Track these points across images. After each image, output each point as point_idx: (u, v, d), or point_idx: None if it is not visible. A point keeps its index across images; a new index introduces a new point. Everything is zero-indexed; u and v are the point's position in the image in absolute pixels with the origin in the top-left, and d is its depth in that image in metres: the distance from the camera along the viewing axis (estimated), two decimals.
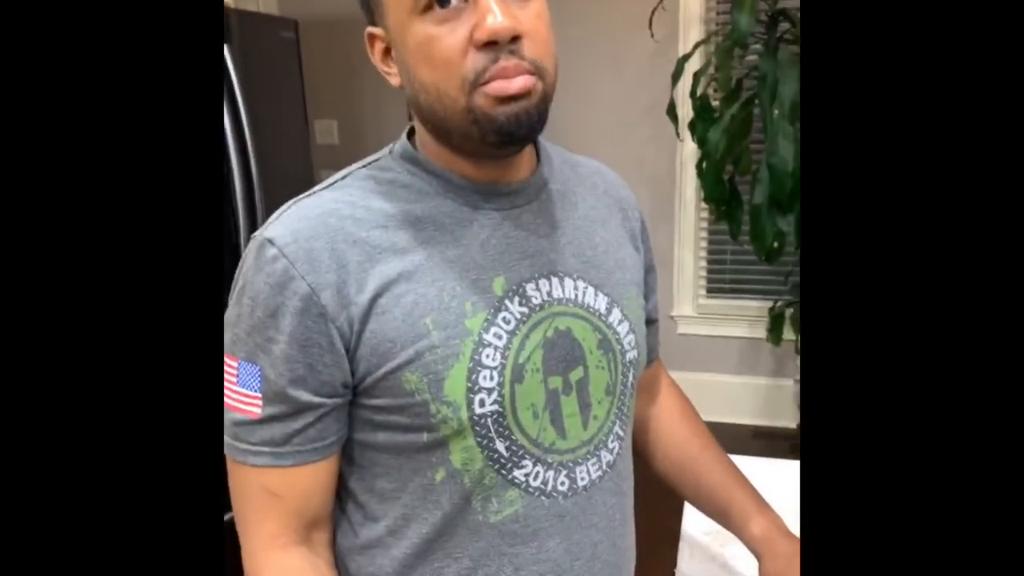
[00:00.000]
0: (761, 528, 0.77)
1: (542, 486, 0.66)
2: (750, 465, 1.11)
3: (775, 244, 2.21)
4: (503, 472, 0.65)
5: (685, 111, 2.36)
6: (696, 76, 2.21)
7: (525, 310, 0.65)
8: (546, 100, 0.62)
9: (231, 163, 1.92)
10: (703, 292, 2.83)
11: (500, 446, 0.64)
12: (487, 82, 0.59)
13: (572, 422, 0.67)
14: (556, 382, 0.66)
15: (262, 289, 0.60)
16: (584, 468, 0.68)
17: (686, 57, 2.23)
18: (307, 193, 0.66)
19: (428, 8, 0.59)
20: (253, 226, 1.96)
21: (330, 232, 0.62)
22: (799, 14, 2.13)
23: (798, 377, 2.39)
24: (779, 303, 2.45)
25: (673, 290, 2.82)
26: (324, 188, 0.67)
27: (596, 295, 0.69)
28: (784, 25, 2.17)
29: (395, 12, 0.61)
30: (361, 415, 0.65)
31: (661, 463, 0.85)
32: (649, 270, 0.80)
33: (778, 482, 1.06)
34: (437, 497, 0.65)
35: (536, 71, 0.60)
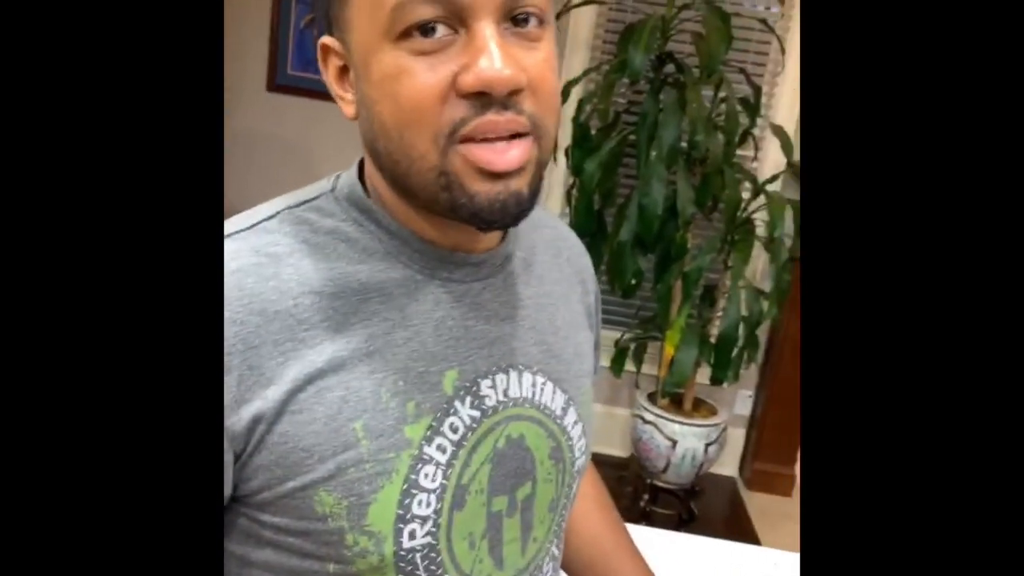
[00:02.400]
0: None
1: None
2: (644, 534, 1.08)
3: (633, 281, 2.24)
4: None
5: (563, 135, 2.33)
6: (581, 103, 2.19)
7: (477, 414, 0.54)
8: (540, 172, 0.50)
9: None
10: None
11: None
12: (467, 139, 0.46)
13: (511, 549, 0.57)
14: (501, 503, 0.55)
15: None
16: None
17: (574, 81, 2.20)
18: (225, 232, 0.51)
19: (405, 35, 0.45)
20: None
21: (243, 299, 0.48)
22: (685, 60, 2.17)
23: (635, 411, 2.45)
24: (625, 336, 2.49)
25: None
26: (244, 229, 0.52)
27: (555, 392, 0.60)
28: (669, 68, 2.19)
29: (363, 29, 0.47)
30: (244, 526, 0.51)
31: (572, 557, 0.78)
32: (595, 347, 0.72)
33: (667, 554, 1.03)
34: None
35: (534, 130, 0.48)
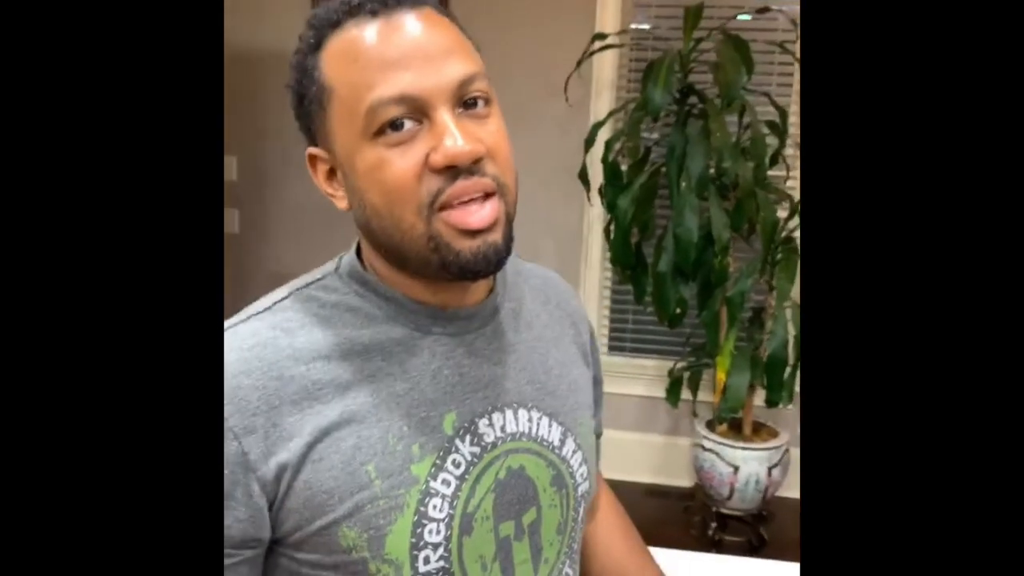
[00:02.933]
0: None
1: None
2: (710, 564, 1.10)
3: (677, 310, 2.27)
4: None
5: (595, 175, 2.40)
6: (608, 144, 2.26)
7: (477, 450, 0.61)
8: (510, 223, 0.59)
9: None
10: (605, 350, 2.86)
11: None
12: (444, 207, 0.55)
13: (523, 570, 0.63)
14: (508, 528, 0.62)
15: None
16: None
17: (599, 124, 2.27)
18: (243, 316, 0.60)
19: (380, 132, 0.55)
20: None
21: (264, 367, 0.56)
22: (707, 90, 2.21)
23: (695, 440, 2.45)
24: (678, 365, 2.50)
25: None
26: (262, 311, 0.60)
27: (550, 425, 0.66)
28: (692, 99, 2.25)
29: (344, 135, 0.57)
30: (285, 565, 0.59)
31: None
32: (596, 383, 0.78)
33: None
34: None
35: (498, 188, 0.57)
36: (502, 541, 0.61)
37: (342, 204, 0.60)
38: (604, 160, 2.26)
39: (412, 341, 0.61)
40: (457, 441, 0.60)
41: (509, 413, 0.64)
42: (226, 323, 0.59)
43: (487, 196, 0.56)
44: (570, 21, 2.56)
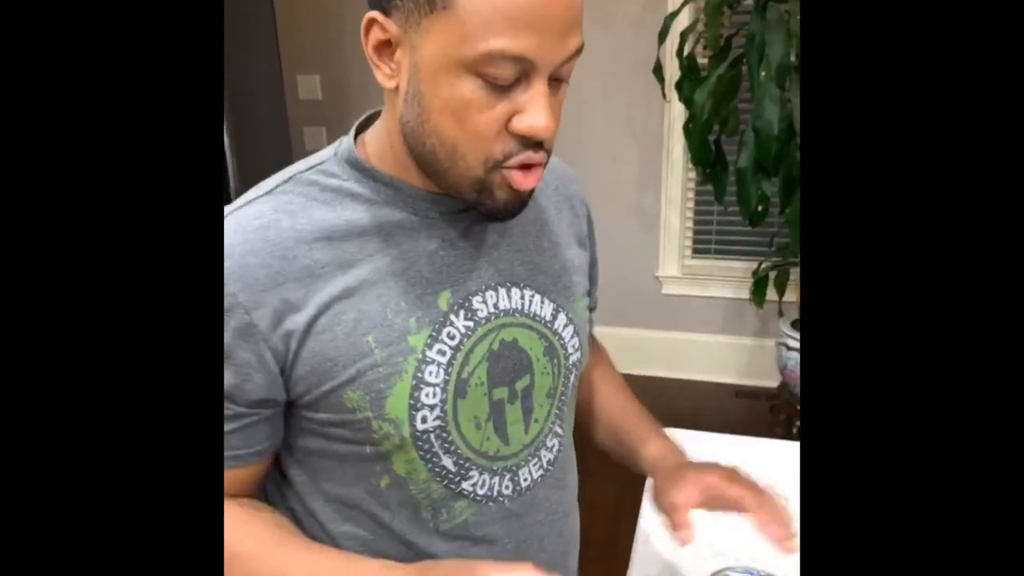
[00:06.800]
0: (656, 449, 0.78)
1: (489, 493, 0.67)
2: (747, 445, 1.12)
3: (759, 208, 2.20)
4: (451, 486, 0.66)
5: (672, 70, 2.32)
6: (683, 35, 2.17)
7: (471, 324, 0.65)
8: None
9: None
10: (689, 253, 2.83)
11: (447, 461, 0.65)
12: (510, 167, 0.58)
13: (515, 429, 0.68)
14: (501, 393, 0.66)
15: None
16: (527, 469, 0.69)
17: (673, 15, 2.18)
18: (246, 199, 0.64)
19: (481, 74, 0.54)
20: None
21: (268, 248, 0.60)
22: None
23: (779, 339, 2.41)
24: (763, 265, 2.45)
25: (659, 250, 2.82)
26: (264, 194, 0.64)
27: (542, 302, 0.69)
28: None
29: (438, 45, 0.54)
30: (303, 424, 0.65)
31: (601, 432, 0.86)
32: (593, 263, 0.80)
33: (777, 463, 1.08)
34: (385, 502, 0.66)
35: (546, 161, 0.60)
36: (495, 404, 0.66)
37: (389, 83, 0.59)
38: (679, 53, 2.18)
39: (410, 224, 0.64)
40: (451, 316, 0.64)
41: (503, 291, 0.67)
42: (230, 207, 0.63)
43: (540, 168, 0.60)
44: None
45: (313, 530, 0.68)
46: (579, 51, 0.56)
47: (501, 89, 0.55)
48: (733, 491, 0.68)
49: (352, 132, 0.67)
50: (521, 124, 0.56)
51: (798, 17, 1.92)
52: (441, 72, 0.55)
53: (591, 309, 0.81)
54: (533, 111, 0.55)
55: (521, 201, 0.61)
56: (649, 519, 0.96)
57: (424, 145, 0.59)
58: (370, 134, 0.66)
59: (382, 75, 0.59)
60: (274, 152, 2.36)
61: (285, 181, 0.65)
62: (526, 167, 0.58)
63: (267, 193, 0.64)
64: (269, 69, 2.26)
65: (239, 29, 2.08)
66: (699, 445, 1.12)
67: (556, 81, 0.57)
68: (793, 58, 2.02)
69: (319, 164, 0.66)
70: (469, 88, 0.54)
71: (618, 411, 0.85)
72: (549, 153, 0.60)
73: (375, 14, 0.57)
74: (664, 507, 0.70)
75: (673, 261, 2.81)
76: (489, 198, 0.59)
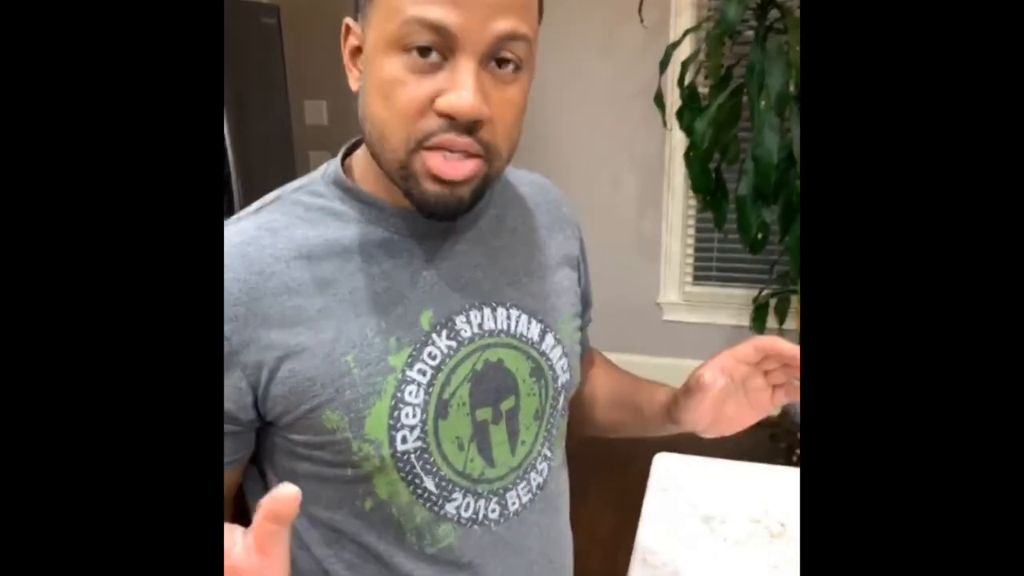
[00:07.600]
0: (667, 392, 0.77)
1: (474, 516, 0.66)
2: (748, 470, 1.13)
3: (759, 235, 2.22)
4: (434, 509, 0.64)
5: (673, 99, 2.35)
6: (684, 64, 2.20)
7: (453, 344, 0.64)
8: (487, 183, 0.59)
9: None
10: (689, 279, 2.84)
11: (429, 483, 0.63)
12: (430, 148, 0.55)
13: (500, 450, 0.67)
14: (485, 413, 0.65)
15: None
16: (514, 493, 0.68)
17: (675, 45, 2.22)
18: (235, 219, 0.64)
19: (407, 49, 0.55)
20: (228, 208, 1.96)
21: (245, 263, 0.59)
22: (788, 3, 2.11)
23: None
24: (764, 292, 2.46)
25: (660, 277, 2.83)
26: (251, 212, 0.64)
27: (529, 323, 0.68)
28: (774, 13, 2.15)
29: (377, 30, 0.56)
30: (283, 446, 0.64)
31: (598, 412, 0.85)
32: (586, 285, 0.80)
33: (777, 489, 1.08)
34: (370, 525, 0.64)
35: (486, 155, 0.57)
36: (479, 424, 0.65)
37: (354, 85, 0.60)
38: (680, 82, 2.21)
39: (392, 244, 0.63)
40: (434, 335, 0.63)
41: (487, 311, 0.66)
42: None
43: (470, 156, 0.56)
44: None
45: (300, 553, 0.67)
46: (515, 35, 0.54)
47: (429, 68, 0.54)
48: (745, 350, 0.70)
49: (341, 153, 0.67)
50: (441, 101, 0.54)
51: (797, 48, 1.95)
52: (379, 55, 0.55)
53: (581, 329, 0.80)
54: (457, 89, 0.53)
55: (455, 198, 0.57)
56: (646, 533, 0.96)
57: (368, 137, 0.59)
58: (357, 154, 0.66)
59: (352, 79, 0.60)
60: (280, 176, 2.38)
61: (272, 201, 0.65)
62: (449, 152, 0.55)
63: (254, 212, 0.64)
64: (277, 94, 2.29)
65: (248, 55, 2.12)
66: (699, 470, 1.12)
67: (501, 63, 0.55)
68: (792, 88, 2.05)
69: (307, 184, 0.66)
70: (397, 66, 0.54)
71: (625, 383, 0.83)
72: (487, 147, 0.56)
73: (349, 20, 0.60)
74: (689, 392, 0.72)
75: (674, 288, 2.82)
76: (416, 187, 0.57)
